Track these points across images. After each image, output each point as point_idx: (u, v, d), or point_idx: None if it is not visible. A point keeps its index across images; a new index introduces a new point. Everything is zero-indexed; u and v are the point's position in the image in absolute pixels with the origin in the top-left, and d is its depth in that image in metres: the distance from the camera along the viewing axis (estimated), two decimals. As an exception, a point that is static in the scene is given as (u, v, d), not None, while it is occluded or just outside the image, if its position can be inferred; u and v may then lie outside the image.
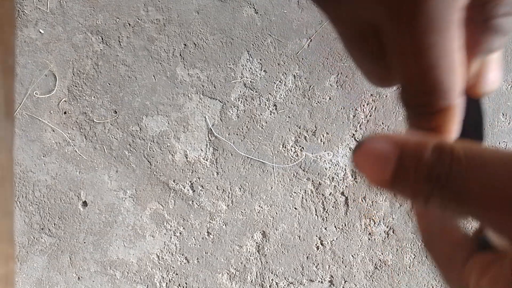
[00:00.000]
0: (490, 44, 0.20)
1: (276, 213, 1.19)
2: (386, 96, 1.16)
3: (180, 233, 1.19)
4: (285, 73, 1.15)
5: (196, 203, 1.18)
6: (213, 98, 1.16)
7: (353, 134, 1.17)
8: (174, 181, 1.18)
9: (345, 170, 1.18)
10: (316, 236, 1.20)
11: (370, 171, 0.19)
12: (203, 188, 1.18)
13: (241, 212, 1.19)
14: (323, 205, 1.19)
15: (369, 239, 1.20)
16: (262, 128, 1.17)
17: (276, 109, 1.17)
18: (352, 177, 1.18)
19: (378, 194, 1.18)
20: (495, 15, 0.19)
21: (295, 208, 1.19)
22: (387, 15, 0.19)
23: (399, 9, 0.18)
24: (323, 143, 1.17)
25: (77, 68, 1.16)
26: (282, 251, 1.20)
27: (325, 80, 1.16)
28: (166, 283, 1.20)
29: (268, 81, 1.16)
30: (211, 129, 1.16)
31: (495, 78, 0.22)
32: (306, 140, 1.16)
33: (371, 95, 1.16)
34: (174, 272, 1.20)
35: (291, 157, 1.17)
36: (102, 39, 1.15)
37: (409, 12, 0.18)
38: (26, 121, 1.16)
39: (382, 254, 1.20)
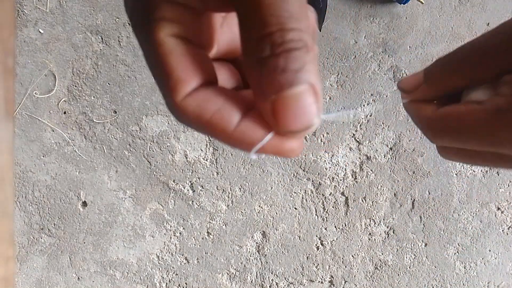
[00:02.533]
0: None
1: (276, 213, 1.19)
2: (386, 96, 1.16)
3: (180, 233, 1.19)
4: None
5: (196, 203, 1.18)
6: (213, 98, 1.16)
7: (353, 134, 1.17)
8: (174, 181, 1.18)
9: (345, 170, 1.17)
10: (316, 236, 1.19)
11: (410, 82, 0.30)
12: (203, 188, 1.18)
13: (241, 212, 1.18)
14: (323, 205, 1.18)
15: (369, 239, 1.20)
16: (262, 128, 1.17)
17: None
18: (352, 177, 1.18)
19: (378, 194, 1.18)
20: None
21: (295, 208, 1.19)
22: None
23: None
24: (323, 143, 1.17)
25: (77, 68, 1.16)
26: (282, 251, 1.20)
27: (325, 80, 1.16)
28: (166, 283, 1.20)
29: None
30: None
31: None
32: (306, 140, 1.16)
33: (372, 94, 1.16)
34: (174, 272, 1.20)
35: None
36: (102, 39, 1.15)
37: None
38: (26, 121, 1.16)
39: (382, 254, 1.20)
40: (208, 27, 0.25)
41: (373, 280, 1.21)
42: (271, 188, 1.18)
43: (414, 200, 1.19)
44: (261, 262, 1.20)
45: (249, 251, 1.20)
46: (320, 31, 1.14)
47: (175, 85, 0.21)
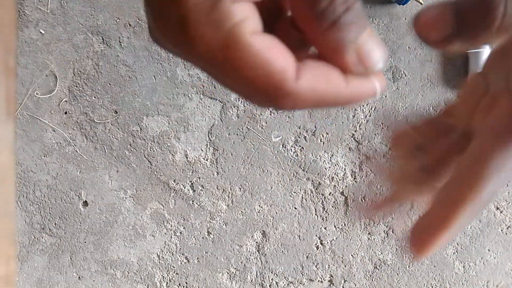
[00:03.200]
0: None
1: (276, 213, 1.19)
2: (386, 96, 1.16)
3: (180, 232, 1.20)
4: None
5: (197, 203, 1.19)
6: (213, 98, 1.17)
7: (353, 134, 1.17)
8: (174, 181, 1.18)
9: (344, 170, 1.18)
10: (316, 235, 1.20)
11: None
12: (203, 188, 1.18)
13: (241, 211, 1.19)
14: (322, 204, 1.19)
15: (368, 238, 1.20)
16: (262, 128, 1.17)
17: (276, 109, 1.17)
18: (352, 177, 1.18)
19: (378, 194, 1.19)
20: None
21: (295, 208, 1.19)
22: None
23: None
24: (323, 143, 1.17)
25: (78, 69, 1.16)
26: (282, 251, 1.20)
27: (325, 80, 1.16)
28: (167, 283, 1.20)
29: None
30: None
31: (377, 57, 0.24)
32: (306, 140, 1.17)
33: (371, 95, 1.16)
34: (174, 272, 1.21)
35: (291, 157, 1.17)
36: (103, 39, 1.16)
37: None
38: (27, 121, 1.16)
39: (381, 253, 1.20)
40: None
41: (372, 280, 1.21)
42: (271, 187, 1.18)
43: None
44: (261, 261, 1.20)
45: (249, 251, 1.20)
46: None
47: (283, 76, 0.22)
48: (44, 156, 1.18)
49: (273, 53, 0.22)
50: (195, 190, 1.18)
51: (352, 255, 1.21)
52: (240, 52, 0.21)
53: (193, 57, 0.23)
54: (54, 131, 1.17)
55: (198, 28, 0.21)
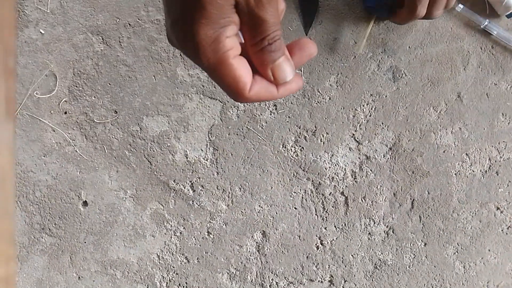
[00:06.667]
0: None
1: (276, 213, 1.19)
2: (386, 96, 1.16)
3: (180, 232, 1.19)
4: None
5: (196, 203, 1.19)
6: (214, 98, 1.17)
7: (353, 134, 1.17)
8: (174, 181, 1.18)
9: (345, 170, 1.18)
10: (316, 236, 1.20)
11: None
12: (203, 188, 1.18)
13: (241, 212, 1.19)
14: (323, 205, 1.19)
15: (368, 239, 1.20)
16: (262, 128, 1.17)
17: (276, 109, 1.17)
18: (352, 177, 1.18)
19: (377, 194, 1.19)
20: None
21: (295, 208, 1.19)
22: None
23: None
24: (323, 143, 1.17)
25: (78, 68, 1.16)
26: (282, 251, 1.20)
27: (325, 80, 1.16)
28: (167, 283, 1.20)
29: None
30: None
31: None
32: (306, 140, 1.17)
33: (371, 95, 1.16)
34: (174, 272, 1.20)
35: (291, 157, 1.17)
36: (103, 39, 1.16)
37: None
38: (27, 121, 1.16)
39: (382, 254, 1.20)
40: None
41: (372, 280, 1.21)
42: (271, 188, 1.18)
43: (413, 200, 1.19)
44: (261, 261, 1.20)
45: (249, 251, 1.20)
46: (307, 35, 1.15)
47: (243, 88, 0.40)
48: (44, 156, 1.18)
49: (242, 72, 0.39)
50: (195, 190, 1.18)
51: (352, 255, 1.21)
52: (225, 68, 0.38)
53: (197, 63, 0.39)
54: (54, 131, 1.17)
55: (204, 50, 0.37)
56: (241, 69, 0.38)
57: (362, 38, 1.12)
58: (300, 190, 1.18)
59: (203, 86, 1.17)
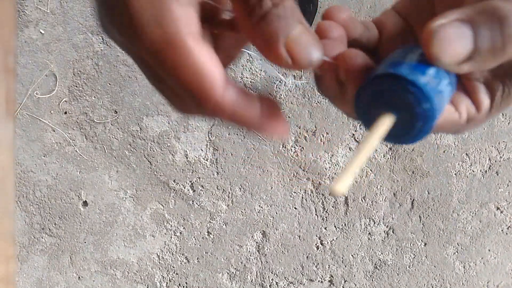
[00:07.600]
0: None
1: (276, 213, 1.19)
2: (386, 96, 1.16)
3: (180, 232, 1.19)
4: (285, 74, 1.16)
5: (196, 203, 1.19)
6: (213, 98, 1.17)
7: (353, 134, 1.17)
8: (174, 181, 1.18)
9: (345, 170, 1.18)
10: (316, 235, 1.20)
11: None
12: (203, 188, 1.18)
13: (241, 212, 1.19)
14: (323, 205, 1.19)
15: (368, 238, 1.20)
16: (262, 128, 1.17)
17: (276, 109, 1.17)
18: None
19: (377, 194, 1.19)
20: None
21: (295, 208, 1.19)
22: None
23: None
24: (323, 143, 1.17)
25: (78, 68, 1.16)
26: (282, 251, 1.20)
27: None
28: (167, 283, 1.20)
29: (268, 81, 1.16)
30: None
31: None
32: (306, 140, 1.17)
33: (371, 95, 1.16)
34: (174, 272, 1.20)
35: (291, 157, 1.17)
36: (103, 39, 1.16)
37: None
38: (27, 121, 1.16)
39: (382, 254, 1.20)
40: None
41: (372, 280, 1.21)
42: (271, 188, 1.18)
43: (413, 200, 1.19)
44: (261, 261, 1.20)
45: (249, 251, 1.20)
46: None
47: (211, 84, 0.24)
48: (44, 156, 1.18)
49: (206, 58, 0.23)
50: (195, 190, 1.18)
51: (352, 255, 1.21)
52: (179, 53, 0.23)
53: (137, 49, 0.24)
54: (54, 131, 1.17)
55: (143, 25, 0.22)
56: (205, 54, 0.23)
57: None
58: (300, 190, 1.18)
59: (203, 86, 1.17)
